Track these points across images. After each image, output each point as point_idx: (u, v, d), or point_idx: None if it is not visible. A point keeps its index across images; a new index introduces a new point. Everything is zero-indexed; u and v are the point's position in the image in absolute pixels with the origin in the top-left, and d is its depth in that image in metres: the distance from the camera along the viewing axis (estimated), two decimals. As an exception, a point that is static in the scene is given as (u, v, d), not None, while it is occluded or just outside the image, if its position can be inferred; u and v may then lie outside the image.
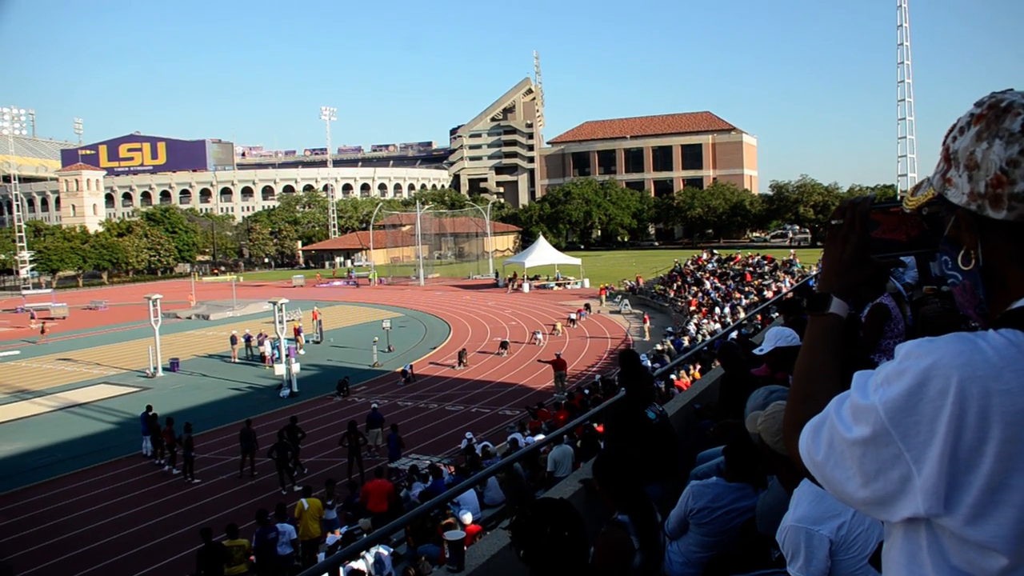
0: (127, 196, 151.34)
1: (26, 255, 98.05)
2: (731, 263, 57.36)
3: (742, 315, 33.05)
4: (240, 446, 23.20)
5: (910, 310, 6.62)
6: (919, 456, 1.11)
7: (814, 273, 31.95)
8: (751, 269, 53.53)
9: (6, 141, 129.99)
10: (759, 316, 20.49)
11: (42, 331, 44.61)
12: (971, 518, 1.08)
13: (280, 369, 33.50)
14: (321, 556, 14.38)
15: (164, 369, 38.15)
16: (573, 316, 48.46)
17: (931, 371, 1.11)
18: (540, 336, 43.02)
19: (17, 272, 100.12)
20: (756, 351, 6.64)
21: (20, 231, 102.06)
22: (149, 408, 26.02)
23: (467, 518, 12.44)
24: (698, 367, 20.20)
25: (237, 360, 40.84)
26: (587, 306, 52.45)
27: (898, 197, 1.56)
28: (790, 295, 16.93)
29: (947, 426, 1.09)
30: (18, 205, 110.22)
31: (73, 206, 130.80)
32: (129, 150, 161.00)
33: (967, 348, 1.12)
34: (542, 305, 57.83)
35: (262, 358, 38.62)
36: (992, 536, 1.07)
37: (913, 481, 1.12)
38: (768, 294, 41.25)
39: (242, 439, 23.10)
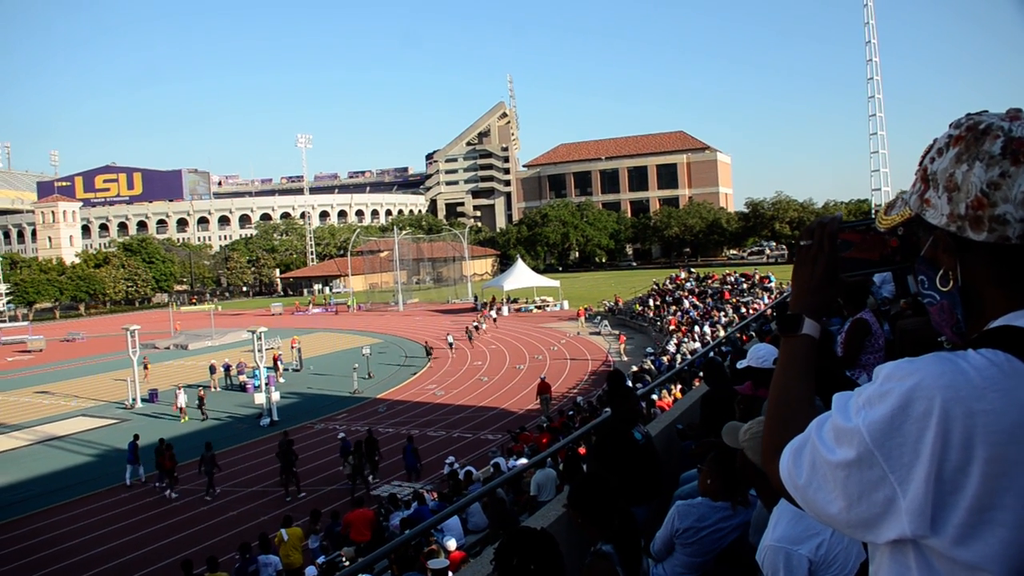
0: (104, 227, 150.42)
1: (2, 288, 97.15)
2: (709, 281, 57.65)
3: (721, 333, 33.18)
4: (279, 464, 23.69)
5: (887, 324, 6.68)
6: (904, 477, 1.11)
7: (790, 290, 32.17)
8: (729, 287, 53.81)
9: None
10: (739, 334, 20.55)
11: (145, 366, 43.55)
12: (959, 538, 1.08)
13: (260, 398, 33.27)
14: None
15: (143, 400, 37.74)
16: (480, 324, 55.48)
17: (914, 392, 1.12)
18: (451, 340, 49.43)
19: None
20: (738, 364, 6.67)
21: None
22: (136, 437, 25.98)
23: (451, 544, 12.34)
24: (679, 386, 20.23)
25: (217, 389, 40.50)
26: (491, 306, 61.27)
27: (872, 213, 1.56)
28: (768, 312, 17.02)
29: (932, 447, 1.09)
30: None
31: (49, 238, 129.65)
32: (105, 181, 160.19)
33: (949, 369, 1.12)
34: (521, 328, 57.81)
35: (201, 402, 35.04)
36: (981, 556, 1.07)
37: (898, 502, 1.12)
38: (745, 311, 41.49)
39: (280, 456, 23.58)
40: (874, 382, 1.20)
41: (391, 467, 24.94)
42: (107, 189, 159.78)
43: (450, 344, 48.89)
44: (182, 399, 34.58)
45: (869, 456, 1.14)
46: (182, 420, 33.89)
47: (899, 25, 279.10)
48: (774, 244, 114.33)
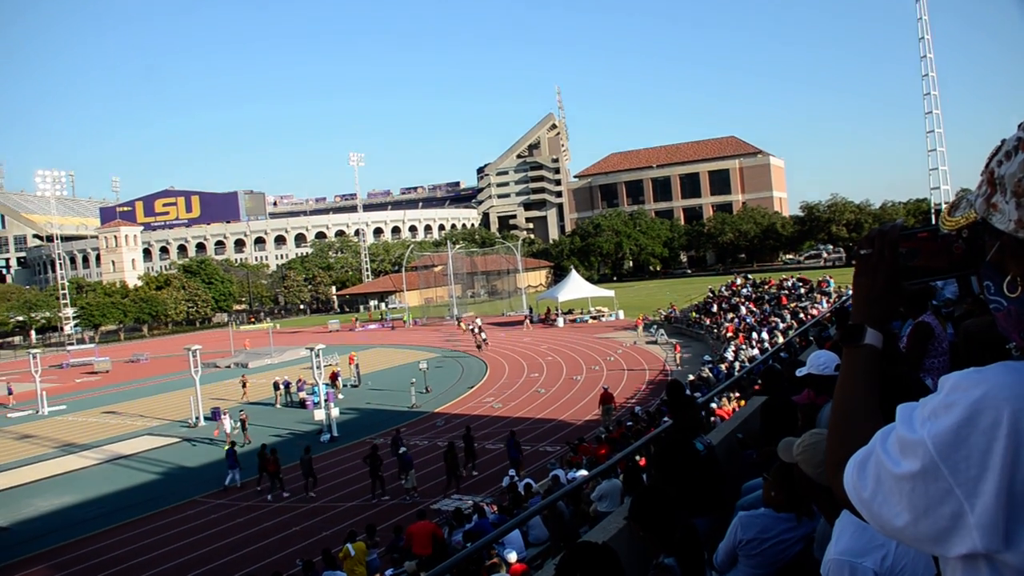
0: (164, 250, 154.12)
1: (70, 312, 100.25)
2: (766, 287, 56.90)
3: (780, 339, 32.69)
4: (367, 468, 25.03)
5: (951, 326, 6.53)
6: (970, 491, 1.08)
7: (850, 293, 31.59)
8: (786, 292, 53.01)
9: (48, 202, 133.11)
10: (799, 339, 20.26)
11: (243, 384, 44.59)
12: None
13: (320, 414, 33.65)
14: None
15: (206, 419, 38.39)
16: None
17: (981, 403, 1.09)
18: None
19: (62, 328, 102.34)
20: (797, 372, 6.57)
21: (63, 289, 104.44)
22: (232, 444, 28.76)
23: (512, 557, 12.35)
24: (737, 395, 20.00)
25: (279, 406, 41.21)
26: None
27: (931, 212, 1.51)
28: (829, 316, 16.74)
29: (1001, 460, 1.06)
30: (61, 264, 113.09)
31: (113, 262, 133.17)
32: (164, 205, 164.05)
33: (1018, 379, 1.09)
34: (577, 339, 57.64)
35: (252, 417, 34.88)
36: None
37: (965, 517, 1.09)
38: (803, 316, 40.85)
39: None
40: (939, 392, 1.17)
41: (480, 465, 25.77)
42: (166, 213, 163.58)
43: (484, 340, 57.64)
44: (227, 425, 33.90)
45: (934, 469, 1.11)
46: (225, 446, 31.29)
47: (954, 20, 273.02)
48: (831, 247, 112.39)
